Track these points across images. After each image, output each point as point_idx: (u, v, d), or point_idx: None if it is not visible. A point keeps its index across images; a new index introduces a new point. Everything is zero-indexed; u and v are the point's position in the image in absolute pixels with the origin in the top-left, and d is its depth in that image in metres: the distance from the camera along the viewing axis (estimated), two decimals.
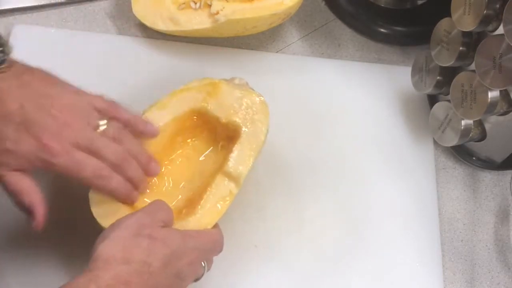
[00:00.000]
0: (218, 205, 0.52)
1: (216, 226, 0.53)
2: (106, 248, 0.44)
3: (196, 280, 0.50)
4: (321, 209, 0.64)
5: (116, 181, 0.50)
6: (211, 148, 0.58)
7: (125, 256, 0.44)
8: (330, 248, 0.62)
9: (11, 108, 0.46)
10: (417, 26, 0.75)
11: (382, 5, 0.77)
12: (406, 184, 0.67)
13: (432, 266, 0.63)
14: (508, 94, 0.58)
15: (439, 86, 0.65)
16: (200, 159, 0.58)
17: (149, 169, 0.53)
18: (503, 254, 0.66)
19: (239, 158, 0.54)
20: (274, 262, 0.60)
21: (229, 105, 0.56)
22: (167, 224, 0.48)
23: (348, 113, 0.70)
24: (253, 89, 0.58)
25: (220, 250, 0.52)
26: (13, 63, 0.48)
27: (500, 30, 0.54)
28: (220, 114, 0.56)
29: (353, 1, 0.75)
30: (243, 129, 0.55)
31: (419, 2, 0.78)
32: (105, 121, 0.50)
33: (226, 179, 0.53)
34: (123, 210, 0.51)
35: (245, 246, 0.60)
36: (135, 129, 0.53)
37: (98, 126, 0.49)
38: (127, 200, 0.52)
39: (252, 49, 0.72)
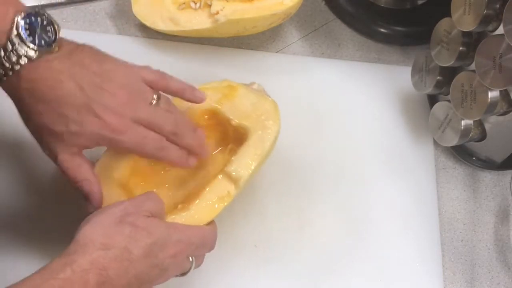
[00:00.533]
0: (215, 204, 0.52)
1: (212, 223, 0.53)
2: (86, 232, 0.44)
3: (183, 274, 0.49)
4: (321, 209, 0.64)
5: (174, 151, 0.52)
6: (220, 148, 0.58)
7: (104, 241, 0.43)
8: (330, 248, 0.62)
9: (70, 90, 0.47)
10: (417, 26, 0.75)
11: (382, 5, 0.77)
12: (406, 184, 0.67)
13: (432, 266, 0.63)
14: (508, 94, 0.58)
15: (439, 86, 0.65)
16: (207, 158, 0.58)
17: (198, 136, 0.54)
18: (503, 254, 0.66)
19: (242, 161, 0.54)
20: (274, 262, 0.60)
21: (242, 109, 0.57)
22: (154, 215, 0.48)
23: (348, 113, 0.70)
24: (269, 96, 0.59)
25: (211, 247, 0.52)
26: (62, 41, 0.48)
27: (500, 30, 0.54)
28: (232, 116, 0.56)
29: (353, 1, 0.75)
30: (252, 133, 0.55)
31: (419, 2, 0.78)
32: (156, 96, 0.51)
33: (226, 180, 0.53)
34: (117, 197, 0.52)
35: (245, 246, 0.60)
36: (184, 97, 0.54)
37: (151, 99, 0.51)
38: (186, 166, 0.54)
39: (252, 49, 0.72)
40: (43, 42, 0.46)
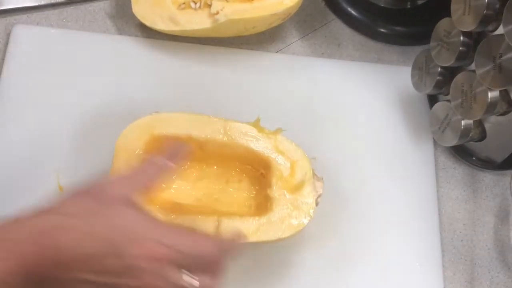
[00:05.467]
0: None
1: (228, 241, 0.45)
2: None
3: None
4: (321, 209, 0.64)
5: None
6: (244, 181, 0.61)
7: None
8: (330, 248, 0.62)
9: None
10: (417, 26, 0.75)
11: (382, 5, 0.77)
12: (406, 184, 0.67)
13: (432, 266, 0.63)
14: (508, 94, 0.58)
15: (439, 86, 0.65)
16: (231, 189, 0.60)
17: None
18: (503, 254, 0.66)
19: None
20: (274, 262, 0.60)
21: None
22: (146, 189, 0.43)
23: (348, 113, 0.70)
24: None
25: (215, 270, 0.42)
26: None
27: (500, 30, 0.54)
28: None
29: (353, 1, 0.75)
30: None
31: (419, 2, 0.78)
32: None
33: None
34: None
35: (245, 246, 0.60)
36: None
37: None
38: None
39: (252, 49, 0.72)
40: None
